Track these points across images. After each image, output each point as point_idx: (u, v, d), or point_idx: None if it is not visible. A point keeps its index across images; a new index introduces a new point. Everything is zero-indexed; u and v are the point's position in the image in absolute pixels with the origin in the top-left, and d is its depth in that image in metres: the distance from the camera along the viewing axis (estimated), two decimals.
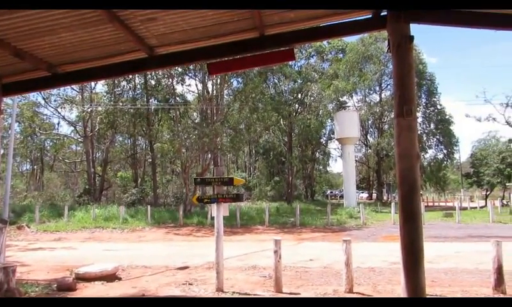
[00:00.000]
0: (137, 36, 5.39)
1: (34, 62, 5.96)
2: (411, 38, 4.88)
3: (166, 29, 5.32)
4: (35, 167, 46.13)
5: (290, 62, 36.33)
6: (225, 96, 32.14)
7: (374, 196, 50.16)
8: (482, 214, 26.53)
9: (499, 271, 7.07)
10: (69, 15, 4.66)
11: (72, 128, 39.10)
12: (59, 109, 35.19)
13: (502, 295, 6.94)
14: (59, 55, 5.91)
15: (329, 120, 44.26)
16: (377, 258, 11.08)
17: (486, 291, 7.24)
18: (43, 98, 34.53)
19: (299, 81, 41.18)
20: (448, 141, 41.77)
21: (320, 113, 43.83)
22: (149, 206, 24.45)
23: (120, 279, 8.82)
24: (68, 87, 32.18)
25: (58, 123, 44.90)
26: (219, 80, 29.45)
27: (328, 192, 57.75)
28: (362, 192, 55.41)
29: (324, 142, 49.23)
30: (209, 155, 28.48)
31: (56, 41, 5.38)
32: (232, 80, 31.60)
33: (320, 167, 55.20)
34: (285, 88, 41.79)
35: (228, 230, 17.90)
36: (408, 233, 4.75)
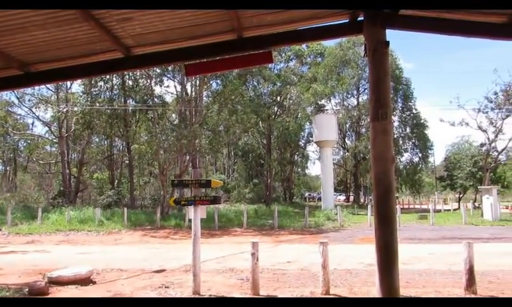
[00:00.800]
0: (113, 35, 5.30)
1: (5, 60, 5.79)
2: (387, 43, 4.97)
3: (142, 29, 5.26)
4: (8, 168, 44.93)
5: (269, 65, 36.52)
6: (204, 98, 31.97)
7: (352, 198, 50.77)
8: (455, 216, 27.17)
9: (470, 272, 7.25)
10: (42, 13, 4.55)
11: (47, 128, 38.24)
12: (33, 109, 34.42)
13: (473, 295, 7.12)
14: (32, 53, 5.75)
15: (308, 123, 44.53)
16: (353, 260, 11.21)
17: (458, 291, 7.41)
18: (17, 98, 33.70)
19: (279, 84, 41.35)
20: (423, 144, 42.71)
21: (299, 116, 44.10)
22: (126, 209, 24.06)
23: (94, 282, 8.65)
24: (43, 86, 31.53)
25: (32, 123, 43.86)
26: (198, 82, 29.28)
27: (306, 194, 58.14)
28: (340, 195, 55.98)
29: (302, 145, 49.50)
30: (187, 157, 28.26)
31: (29, 39, 5.23)
32: (211, 82, 31.47)
33: (299, 169, 55.48)
34: (265, 91, 41.88)
35: (206, 232, 17.81)
36: (382, 235, 4.82)
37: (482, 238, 16.14)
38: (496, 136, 32.10)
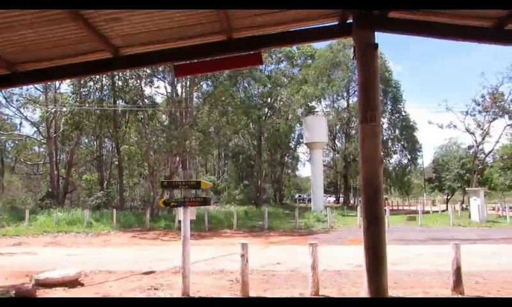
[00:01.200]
0: (102, 35, 5.27)
1: None
2: (376, 45, 5.01)
3: (131, 30, 5.23)
4: None
5: (260, 67, 36.58)
6: (195, 99, 31.92)
7: (341, 199, 51.03)
8: (444, 218, 27.42)
9: (458, 272, 7.33)
10: (29, 12, 4.50)
11: (35, 129, 37.83)
12: (21, 109, 34.02)
13: (460, 296, 7.19)
14: (20, 53, 5.69)
15: (298, 125, 44.72)
16: (343, 261, 11.24)
17: (446, 292, 7.48)
18: (4, 98, 33.29)
19: (269, 85, 41.45)
20: (412, 146, 43.16)
21: (289, 117, 44.24)
22: (115, 210, 23.87)
23: (82, 284, 8.56)
24: (31, 86, 31.15)
25: (20, 124, 43.22)
26: (188, 83, 29.21)
27: (297, 196, 58.28)
28: (330, 196, 56.25)
29: (293, 146, 49.68)
30: (177, 158, 28.15)
31: (16, 39, 5.17)
32: (201, 83, 31.42)
33: (289, 171, 55.63)
34: (255, 92, 41.95)
35: (196, 234, 17.74)
36: (371, 236, 4.86)
37: (470, 239, 16.31)
38: (483, 139, 32.52)
